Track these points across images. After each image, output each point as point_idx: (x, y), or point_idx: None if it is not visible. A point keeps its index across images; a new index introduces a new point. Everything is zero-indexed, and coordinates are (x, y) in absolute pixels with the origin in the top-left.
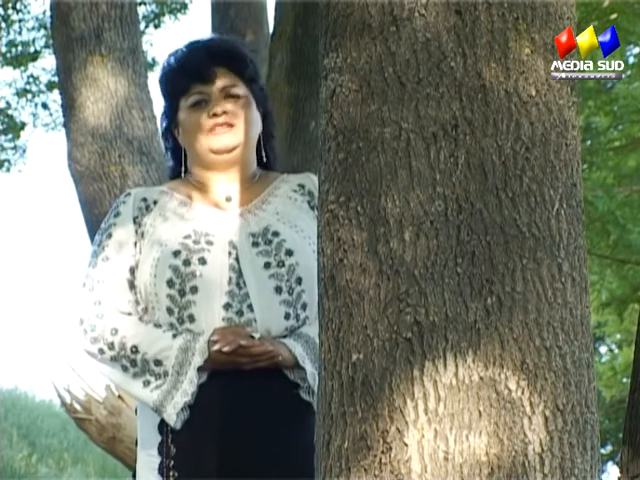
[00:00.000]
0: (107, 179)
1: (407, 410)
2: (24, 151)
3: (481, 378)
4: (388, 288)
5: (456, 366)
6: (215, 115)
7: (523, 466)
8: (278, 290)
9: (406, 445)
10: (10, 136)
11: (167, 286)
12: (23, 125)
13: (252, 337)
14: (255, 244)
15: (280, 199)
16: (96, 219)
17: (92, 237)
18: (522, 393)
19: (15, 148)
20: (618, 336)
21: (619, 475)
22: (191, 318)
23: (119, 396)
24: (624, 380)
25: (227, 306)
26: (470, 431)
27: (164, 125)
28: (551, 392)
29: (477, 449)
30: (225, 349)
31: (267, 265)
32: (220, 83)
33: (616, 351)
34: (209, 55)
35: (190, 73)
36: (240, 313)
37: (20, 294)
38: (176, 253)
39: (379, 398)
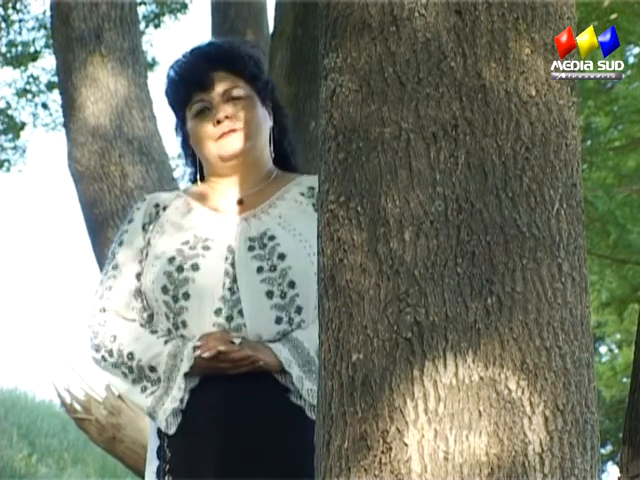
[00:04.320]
0: (107, 179)
1: (407, 410)
2: (24, 151)
3: (481, 378)
4: (388, 288)
5: (456, 366)
6: (219, 122)
7: (523, 466)
8: (269, 294)
9: (406, 445)
10: (10, 136)
11: (162, 292)
12: (23, 125)
13: (232, 342)
14: (251, 248)
15: (287, 202)
16: (96, 219)
17: (92, 237)
18: (522, 393)
19: (15, 148)
20: (618, 336)
21: (619, 475)
22: (184, 324)
23: (119, 396)
24: (624, 380)
25: (218, 311)
26: (470, 431)
27: (179, 139)
28: (551, 392)
29: (477, 449)
30: (205, 355)
31: (260, 269)
32: (220, 88)
33: (616, 351)
34: (206, 61)
35: (189, 82)
36: (230, 318)
37: (20, 294)
38: (171, 259)
39: (379, 398)
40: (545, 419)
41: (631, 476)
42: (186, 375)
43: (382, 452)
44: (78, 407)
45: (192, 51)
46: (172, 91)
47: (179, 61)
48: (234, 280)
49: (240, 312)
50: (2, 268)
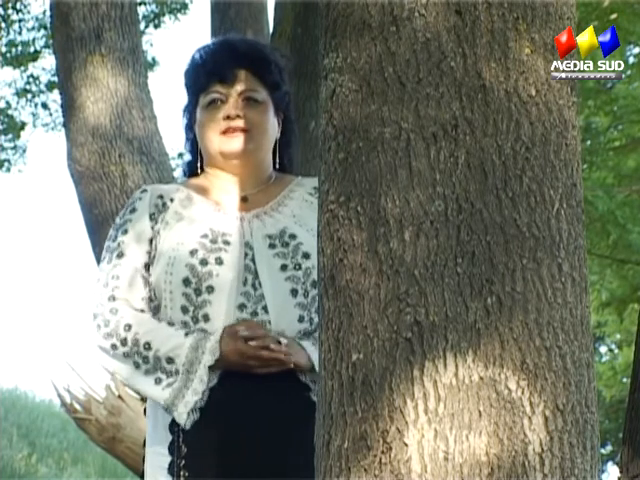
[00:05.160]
0: (107, 179)
1: (407, 410)
2: (24, 151)
3: (481, 378)
4: (388, 288)
5: (456, 366)
6: (229, 118)
7: (523, 466)
8: (294, 293)
9: (406, 445)
10: (10, 136)
11: (183, 284)
12: (23, 125)
13: (279, 342)
14: (272, 246)
15: (296, 202)
16: (96, 219)
17: (92, 237)
18: (522, 393)
19: (15, 148)
20: (618, 336)
21: (619, 475)
22: (206, 317)
23: (119, 396)
24: (624, 380)
25: (242, 307)
26: (470, 431)
27: (185, 120)
28: (551, 392)
29: (477, 449)
30: (253, 343)
31: (284, 267)
32: (239, 86)
33: (616, 351)
34: (232, 56)
35: (210, 72)
36: (254, 314)
37: (20, 294)
38: (193, 252)
39: (379, 398)
40: (545, 419)
41: (631, 476)
42: (208, 369)
43: (382, 452)
44: (78, 407)
45: (222, 42)
46: (192, 74)
47: (207, 47)
48: (256, 276)
49: (264, 308)
50: (2, 268)
